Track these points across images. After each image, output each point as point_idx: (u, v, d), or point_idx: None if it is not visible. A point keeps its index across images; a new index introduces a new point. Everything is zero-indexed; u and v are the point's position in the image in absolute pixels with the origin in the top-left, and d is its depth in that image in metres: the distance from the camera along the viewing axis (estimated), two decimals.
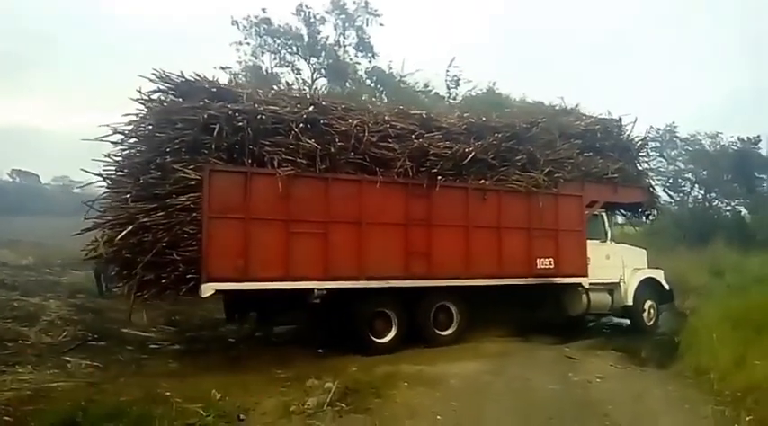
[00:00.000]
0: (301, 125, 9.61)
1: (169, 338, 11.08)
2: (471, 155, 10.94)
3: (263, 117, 9.35)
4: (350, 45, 28.11)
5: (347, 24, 27.72)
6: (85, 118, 78.94)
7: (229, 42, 26.99)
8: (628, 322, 13.68)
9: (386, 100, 23.16)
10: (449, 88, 26.65)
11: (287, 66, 27.57)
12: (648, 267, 13.81)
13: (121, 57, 73.28)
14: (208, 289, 8.66)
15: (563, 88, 66.95)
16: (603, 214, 13.16)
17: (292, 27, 27.22)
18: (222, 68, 26.06)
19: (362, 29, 27.83)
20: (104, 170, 9.50)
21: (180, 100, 9.41)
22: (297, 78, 26.80)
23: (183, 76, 9.62)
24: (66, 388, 7.14)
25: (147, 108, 9.47)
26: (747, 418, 6.81)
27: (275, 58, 27.43)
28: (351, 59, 27.94)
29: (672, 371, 9.43)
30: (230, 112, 9.06)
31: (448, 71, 26.26)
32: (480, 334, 11.21)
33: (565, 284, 12.27)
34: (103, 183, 9.64)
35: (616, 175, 12.97)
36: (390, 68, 26.48)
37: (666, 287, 13.67)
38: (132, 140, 9.55)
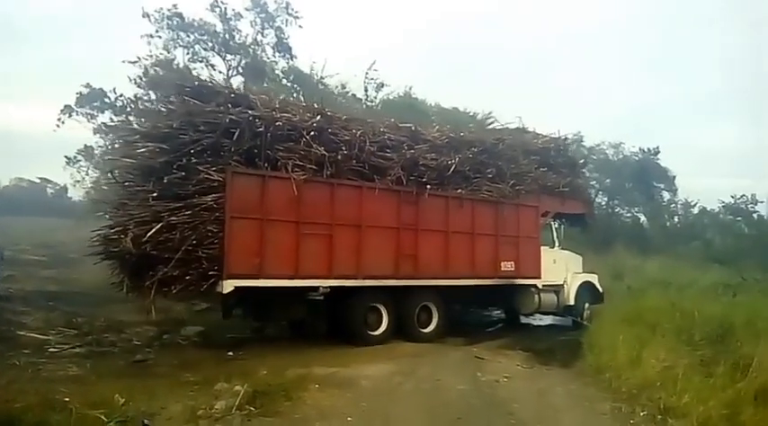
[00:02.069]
0: (312, 133, 10.27)
1: (69, 341, 10.50)
2: (453, 167, 12.00)
3: (280, 123, 9.96)
4: (268, 44, 27.77)
5: (266, 24, 27.36)
6: None
7: (140, 34, 26.14)
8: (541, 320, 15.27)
9: (303, 101, 22.96)
10: (366, 91, 26.77)
11: (200, 62, 26.88)
12: (583, 271, 15.26)
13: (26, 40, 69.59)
14: (228, 286, 9.20)
15: (477, 96, 68.81)
16: (552, 223, 14.58)
17: (207, 22, 26.58)
18: (133, 62, 25.31)
19: (282, 29, 27.55)
20: (112, 168, 10.17)
21: (199, 103, 9.68)
22: (211, 75, 26.16)
23: (201, 80, 10.21)
24: None
25: (167, 109, 9.86)
26: (642, 413, 7.25)
27: (188, 53, 26.71)
28: (268, 59, 27.59)
29: (575, 370, 9.88)
30: (250, 118, 9.61)
31: (367, 74, 26.39)
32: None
33: (520, 285, 13.55)
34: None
35: (567, 189, 14.41)
36: (312, 70, 26.34)
37: (600, 289, 15.17)
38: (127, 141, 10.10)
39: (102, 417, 5.99)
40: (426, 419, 7.10)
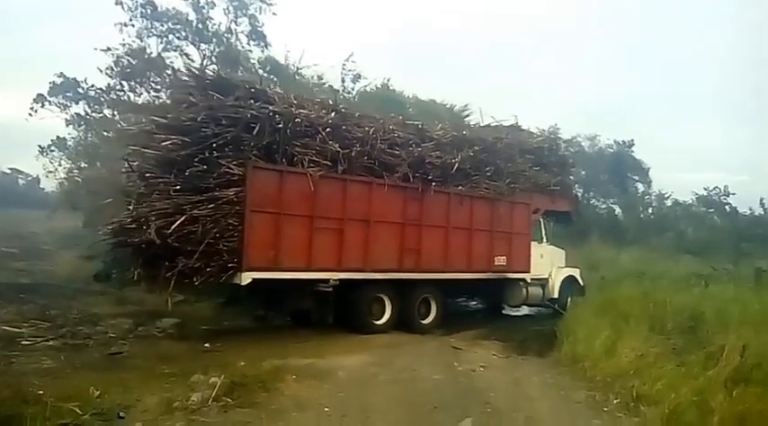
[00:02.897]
0: (327, 130, 10.53)
1: (43, 334, 10.40)
2: (457, 165, 12.38)
3: (299, 120, 10.18)
4: (242, 33, 27.42)
5: (239, 12, 27.02)
6: None
7: (113, 23, 25.69)
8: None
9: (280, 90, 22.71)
10: (344, 82, 26.61)
11: (174, 51, 26.48)
12: (566, 265, 15.76)
13: None
14: (246, 278, 9.51)
15: (454, 89, 68.93)
16: (541, 219, 15.02)
17: (180, 11, 26.20)
18: (105, 50, 24.89)
19: (255, 17, 27.22)
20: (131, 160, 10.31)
21: (220, 97, 9.81)
22: (185, 64, 25.81)
23: (220, 74, 10.49)
24: None
25: (190, 102, 9.87)
26: (615, 401, 7.39)
27: (162, 42, 26.32)
28: (243, 48, 27.28)
29: (550, 360, 10.01)
30: (270, 113, 9.80)
31: (344, 65, 26.22)
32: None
33: (510, 278, 14.00)
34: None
35: (558, 187, 14.95)
36: (287, 60, 26.10)
37: (581, 282, 15.61)
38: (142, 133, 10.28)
39: (77, 410, 5.94)
40: (403, 408, 7.14)
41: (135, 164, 10.51)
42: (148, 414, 6.27)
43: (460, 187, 12.74)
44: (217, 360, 8.60)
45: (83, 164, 29.03)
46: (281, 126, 9.85)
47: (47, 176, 36.51)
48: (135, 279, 10.48)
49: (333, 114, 10.98)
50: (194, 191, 9.31)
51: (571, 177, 16.55)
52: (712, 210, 32.75)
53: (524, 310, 16.11)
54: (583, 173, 35.20)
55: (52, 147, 33.07)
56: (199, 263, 9.13)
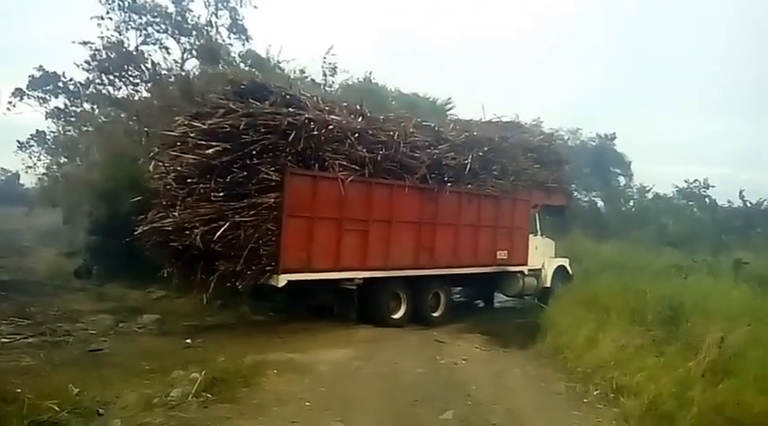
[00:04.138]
0: (356, 135, 10.97)
1: (22, 331, 10.34)
2: (469, 166, 12.83)
3: (332, 126, 10.49)
4: (222, 26, 27.14)
5: (220, 4, 26.76)
6: None
7: (90, 16, 25.32)
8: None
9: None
10: (325, 76, 26.42)
11: (153, 44, 26.15)
12: (556, 256, 16.31)
13: None
14: (282, 280, 9.89)
15: (436, 82, 68.92)
16: (536, 214, 15.46)
17: (159, 4, 25.85)
18: (83, 44, 24.58)
19: (236, 10, 26.96)
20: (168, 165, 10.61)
21: (258, 103, 10.16)
22: (165, 58, 25.53)
23: (255, 79, 10.95)
24: None
25: (228, 108, 10.07)
26: (595, 392, 7.47)
27: (140, 35, 25.97)
28: (224, 41, 27.01)
29: (532, 352, 10.11)
30: (306, 120, 10.04)
31: (325, 58, 26.06)
32: None
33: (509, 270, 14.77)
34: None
35: (555, 185, 15.51)
36: (268, 54, 25.90)
37: (570, 272, 16.17)
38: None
39: (56, 407, 5.89)
40: (385, 402, 7.17)
41: (172, 168, 10.68)
42: (128, 411, 6.23)
43: (469, 186, 13.24)
44: (197, 356, 8.58)
45: (62, 159, 28.77)
46: (315, 132, 10.13)
47: (26, 171, 36.20)
48: (171, 280, 11.19)
49: (360, 119, 11.57)
50: (235, 197, 9.65)
51: (567, 175, 17.14)
52: (692, 203, 32.94)
53: (510, 303, 16.37)
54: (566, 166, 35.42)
55: (31, 142, 32.78)
56: (241, 268, 9.47)
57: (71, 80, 27.47)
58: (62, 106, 29.03)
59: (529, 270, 15.12)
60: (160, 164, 11.08)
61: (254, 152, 9.64)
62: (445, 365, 9.09)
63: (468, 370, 8.83)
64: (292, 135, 9.80)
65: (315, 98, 11.36)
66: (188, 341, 9.97)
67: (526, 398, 7.58)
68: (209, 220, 9.51)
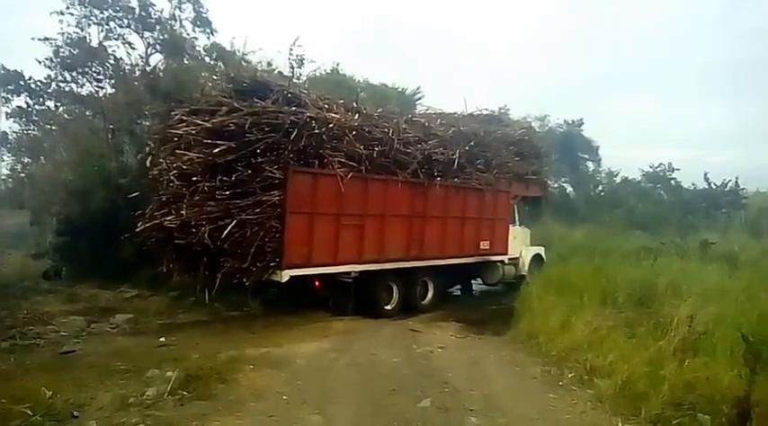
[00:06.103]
0: (354, 132, 11.15)
1: None
2: (457, 160, 13.11)
3: (332, 124, 10.64)
4: (186, 19, 26.68)
5: None
6: None
7: (50, 11, 24.71)
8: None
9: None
10: (292, 67, 26.17)
11: (116, 39, 25.62)
12: (531, 244, 16.86)
13: None
14: (285, 276, 10.09)
15: (404, 72, 68.86)
16: (515, 205, 15.91)
17: None
18: (43, 40, 24.01)
19: (200, 2, 26.52)
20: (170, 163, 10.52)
21: (260, 101, 10.18)
22: (129, 53, 25.05)
23: (257, 78, 10.99)
24: None
25: (232, 107, 10.11)
26: (570, 375, 7.59)
27: (103, 31, 25.42)
28: (188, 35, 26.57)
29: (507, 337, 10.22)
30: (307, 119, 10.14)
31: (291, 50, 25.81)
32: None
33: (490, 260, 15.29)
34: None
35: (534, 176, 15.97)
36: (233, 46, 25.57)
37: (544, 259, 16.70)
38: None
39: (28, 411, 5.83)
40: (362, 392, 7.19)
41: (175, 166, 10.54)
42: (103, 412, 6.18)
43: (456, 179, 13.53)
44: (172, 354, 8.55)
45: (26, 160, 28.17)
46: (316, 130, 10.24)
47: None
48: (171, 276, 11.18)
49: (356, 116, 11.69)
50: (240, 195, 9.76)
51: (544, 167, 17.67)
52: (659, 186, 33.45)
53: (483, 288, 16.58)
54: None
55: None
56: (247, 264, 9.66)
57: (30, 78, 26.85)
58: (24, 105, 28.37)
59: (509, 259, 15.60)
60: (161, 161, 11.03)
61: (258, 150, 9.74)
62: (421, 353, 9.16)
63: (445, 358, 8.91)
64: (294, 133, 9.90)
65: (314, 96, 11.45)
66: (162, 339, 9.84)
67: (502, 383, 7.67)
68: (216, 218, 9.65)
